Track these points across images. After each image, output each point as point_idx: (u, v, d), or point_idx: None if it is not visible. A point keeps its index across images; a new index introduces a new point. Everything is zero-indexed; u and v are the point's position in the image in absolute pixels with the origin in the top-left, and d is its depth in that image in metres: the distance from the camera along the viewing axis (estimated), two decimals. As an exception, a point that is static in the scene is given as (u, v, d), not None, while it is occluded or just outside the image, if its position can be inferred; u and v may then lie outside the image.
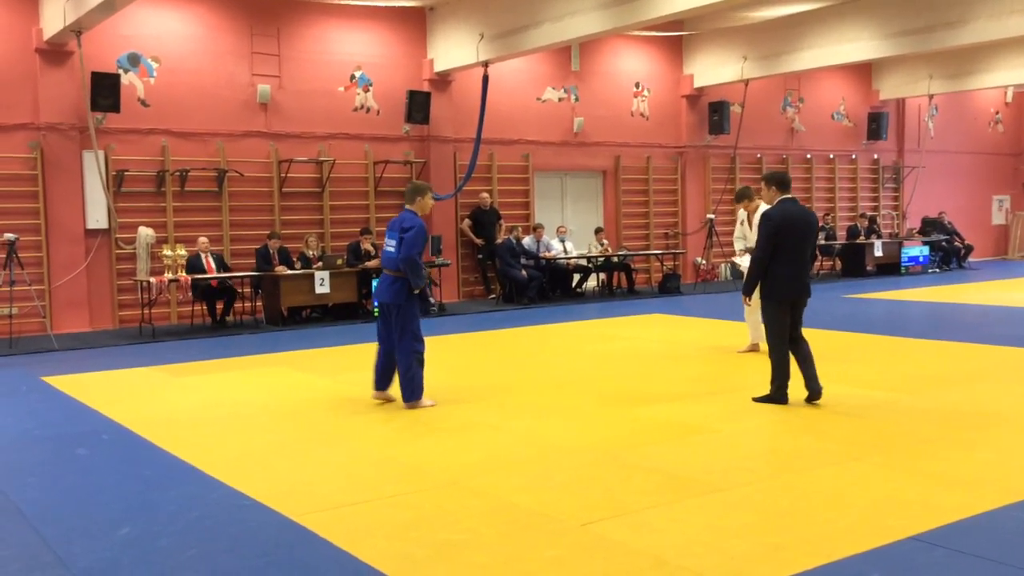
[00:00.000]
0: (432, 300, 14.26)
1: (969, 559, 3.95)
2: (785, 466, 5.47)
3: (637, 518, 4.57)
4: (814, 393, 6.95)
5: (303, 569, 4.05)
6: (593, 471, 5.44)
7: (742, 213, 9.83)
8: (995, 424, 6.34)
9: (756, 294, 9.24)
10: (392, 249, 7.22)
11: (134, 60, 13.38)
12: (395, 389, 7.43)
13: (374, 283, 13.55)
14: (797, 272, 6.90)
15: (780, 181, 7.07)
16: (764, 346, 9.64)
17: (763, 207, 9.50)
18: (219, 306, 13.09)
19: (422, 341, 7.31)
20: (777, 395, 7.00)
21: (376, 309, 7.62)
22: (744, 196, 9.82)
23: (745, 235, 9.76)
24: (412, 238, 7.08)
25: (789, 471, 5.36)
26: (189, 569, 4.06)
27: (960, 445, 5.80)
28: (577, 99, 17.58)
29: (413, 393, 7.25)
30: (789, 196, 7.00)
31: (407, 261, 7.09)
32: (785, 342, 6.93)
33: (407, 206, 7.33)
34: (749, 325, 9.75)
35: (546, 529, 4.45)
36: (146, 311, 12.64)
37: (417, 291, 7.22)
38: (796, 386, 7.03)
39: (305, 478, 5.47)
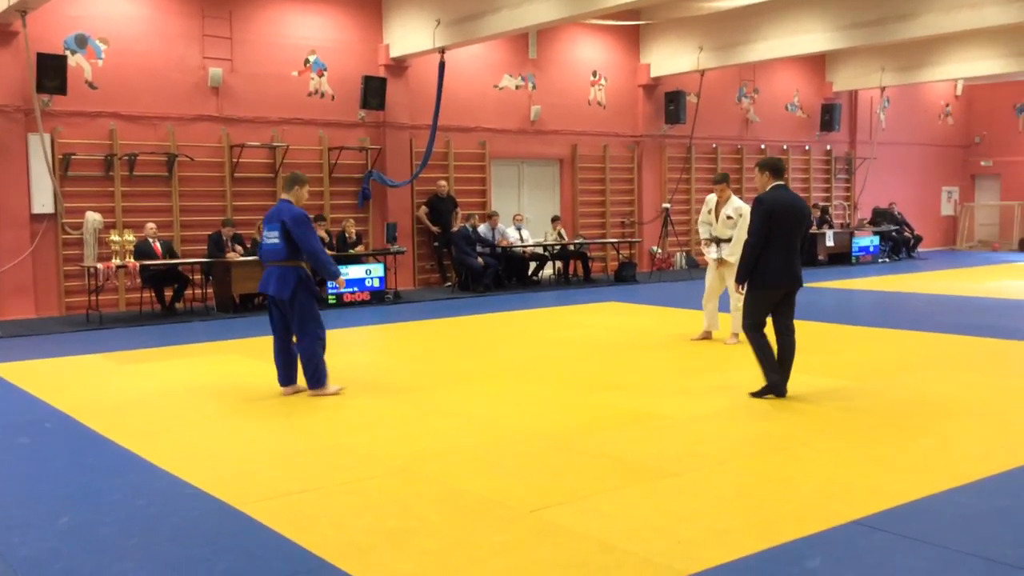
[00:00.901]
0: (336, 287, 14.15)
1: (909, 542, 4.01)
2: (735, 452, 5.51)
3: (587, 504, 4.58)
4: (776, 391, 6.80)
5: (246, 557, 3.99)
6: (545, 457, 5.44)
7: (711, 199, 9.65)
8: (940, 411, 6.45)
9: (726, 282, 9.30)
10: (276, 241, 7.02)
11: (81, 41, 13.08)
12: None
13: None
14: (788, 261, 6.74)
15: (774, 167, 6.92)
16: (717, 334, 9.77)
17: (734, 200, 9.59)
18: (168, 293, 12.88)
19: (323, 326, 7.19)
20: (772, 386, 6.79)
21: (270, 302, 7.25)
22: (724, 180, 9.68)
23: (711, 223, 9.61)
24: (305, 232, 6.95)
25: (738, 457, 5.40)
26: (130, 558, 3.98)
27: (906, 431, 5.89)
28: (534, 87, 17.55)
29: (319, 380, 7.14)
30: (782, 183, 6.89)
31: (313, 257, 6.99)
32: (760, 329, 6.80)
33: (284, 195, 7.21)
34: (705, 312, 9.79)
35: (495, 515, 4.44)
36: (93, 298, 12.40)
37: (331, 278, 7.18)
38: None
39: (252, 467, 5.40)
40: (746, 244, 6.86)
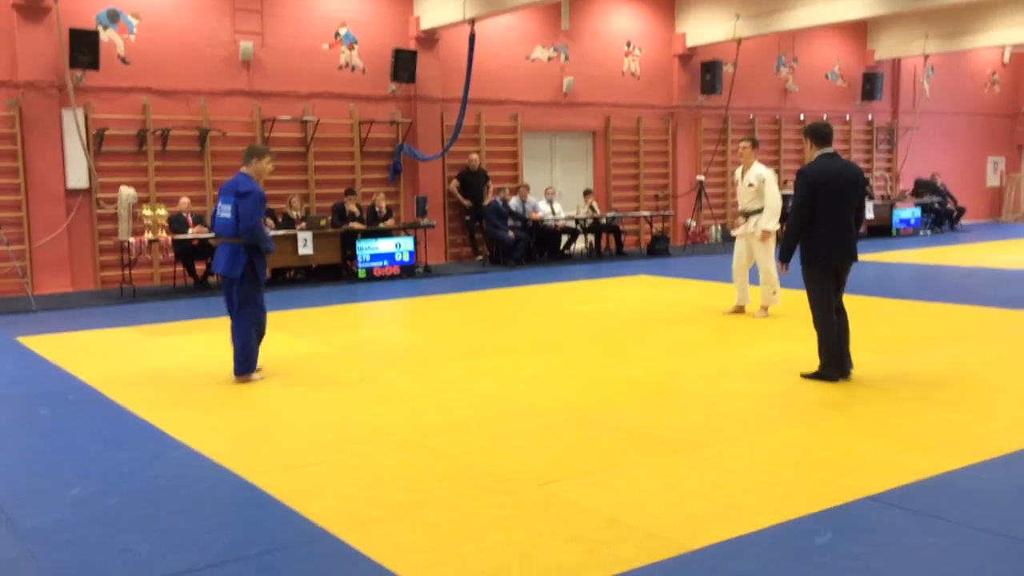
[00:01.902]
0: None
1: (924, 519, 3.90)
2: (753, 427, 5.40)
3: (596, 478, 4.52)
4: (842, 371, 6.42)
5: (249, 529, 3.99)
6: (559, 431, 5.38)
7: (738, 172, 9.53)
8: (972, 385, 6.28)
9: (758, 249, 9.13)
10: (228, 215, 6.72)
11: (113, 16, 13.14)
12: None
13: (358, 244, 13.51)
14: (839, 234, 6.26)
15: (817, 133, 6.41)
16: (750, 308, 9.60)
17: (756, 167, 9.36)
18: (200, 267, 12.97)
19: (264, 310, 6.90)
20: (825, 371, 6.36)
21: (224, 281, 6.95)
22: (750, 141, 9.45)
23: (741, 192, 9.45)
24: (250, 208, 6.63)
25: (756, 432, 5.29)
26: (136, 529, 4.00)
27: (934, 406, 5.73)
28: (567, 58, 17.34)
29: (248, 366, 6.84)
30: (829, 151, 6.39)
31: (249, 232, 6.64)
32: (829, 312, 6.32)
33: (242, 168, 6.84)
34: (736, 286, 9.63)
35: (502, 489, 4.39)
36: (127, 271, 12.53)
37: (267, 253, 6.85)
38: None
39: (266, 439, 5.41)
40: (789, 220, 6.39)
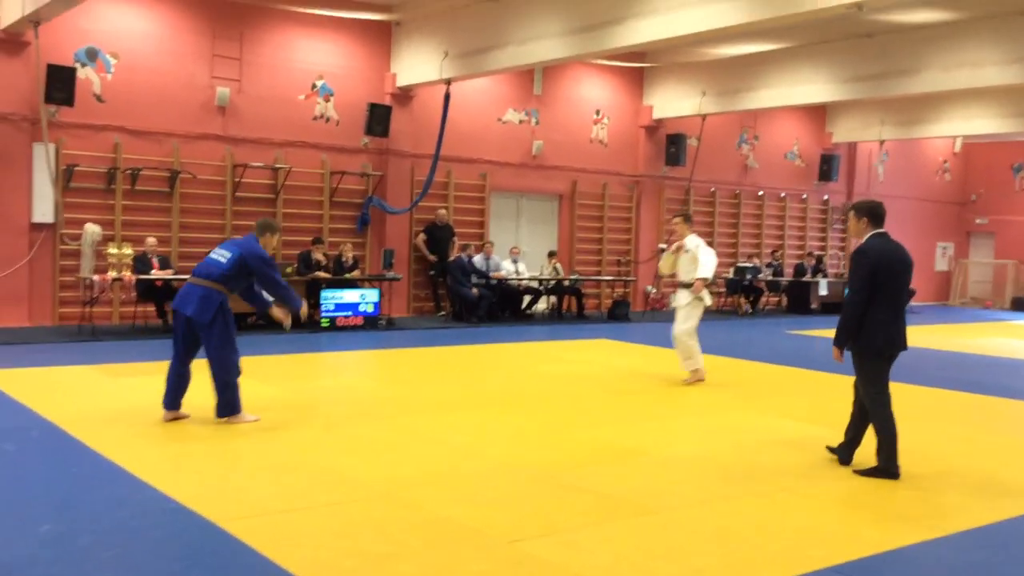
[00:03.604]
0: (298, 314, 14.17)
1: (885, 590, 4.04)
2: (716, 493, 5.53)
3: (566, 537, 4.60)
4: (844, 458, 6.18)
5: (221, 574, 4.00)
6: (528, 489, 5.46)
7: (671, 256, 9.81)
8: (924, 463, 6.47)
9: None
10: (223, 260, 6.83)
11: (92, 55, 13.21)
12: (187, 407, 7.04)
13: (323, 293, 13.53)
14: (898, 320, 5.93)
15: (872, 212, 6.05)
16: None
17: (692, 238, 9.61)
18: (166, 308, 12.88)
19: (238, 352, 6.94)
20: (888, 465, 5.92)
21: (179, 323, 6.95)
22: (688, 218, 9.92)
23: (671, 263, 9.81)
24: (269, 271, 6.83)
25: (719, 498, 5.42)
26: (107, 569, 3.99)
27: (889, 482, 5.90)
28: (537, 122, 17.71)
29: (233, 407, 6.89)
30: (882, 230, 6.04)
31: (282, 288, 6.89)
32: (888, 404, 5.96)
33: (254, 234, 7.05)
34: (681, 354, 9.72)
35: (474, 544, 4.45)
36: (87, 309, 12.41)
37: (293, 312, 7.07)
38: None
39: (235, 484, 5.41)
40: (847, 303, 6.00)
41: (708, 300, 9.73)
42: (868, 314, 5.85)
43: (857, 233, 6.14)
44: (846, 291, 6.22)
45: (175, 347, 6.97)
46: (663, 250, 18.42)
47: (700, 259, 9.47)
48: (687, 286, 9.59)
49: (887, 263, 5.87)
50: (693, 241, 9.65)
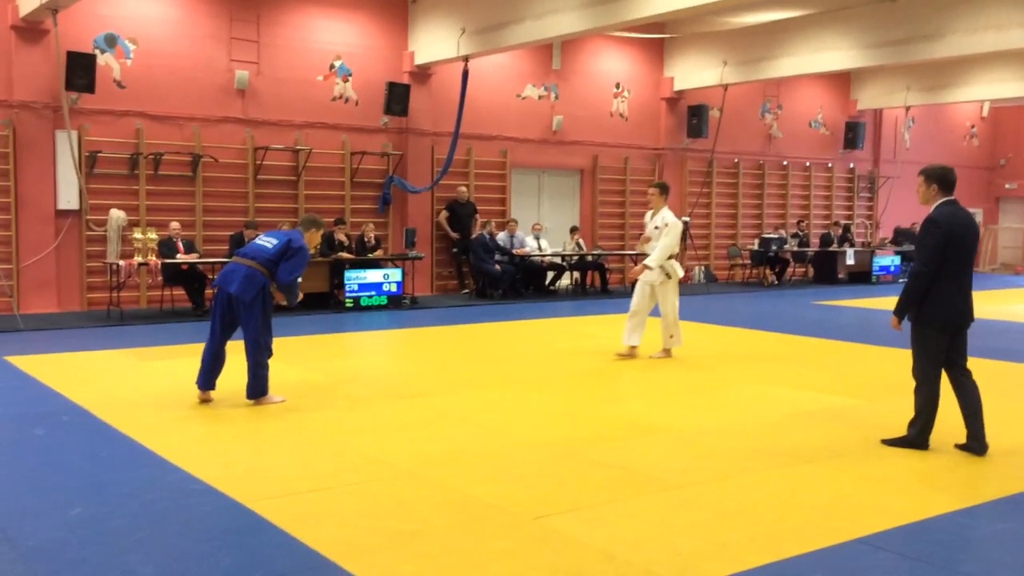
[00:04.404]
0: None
1: (911, 562, 4.01)
2: (741, 466, 5.51)
3: (591, 513, 4.61)
4: (977, 448, 5.80)
5: (250, 554, 4.05)
6: (552, 466, 5.47)
7: (648, 215, 9.47)
8: (950, 433, 6.41)
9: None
10: (269, 246, 6.99)
11: (111, 41, 13.26)
12: (217, 390, 7.12)
13: (346, 274, 13.59)
14: (965, 291, 5.75)
15: (943, 178, 5.77)
16: (676, 351, 9.46)
17: (666, 212, 9.20)
18: (208, 289, 12.96)
19: (271, 335, 7.06)
20: (918, 439, 5.85)
21: (219, 303, 7.07)
22: (664, 189, 9.50)
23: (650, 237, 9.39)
24: (300, 261, 6.98)
25: (745, 471, 5.40)
26: (137, 551, 4.05)
27: (914, 452, 5.86)
28: (557, 97, 17.61)
29: (263, 389, 7.02)
30: (952, 198, 5.79)
31: (288, 286, 6.99)
32: (938, 378, 5.81)
33: (300, 228, 7.24)
34: (630, 327, 9.38)
35: (499, 521, 4.47)
36: (115, 294, 12.54)
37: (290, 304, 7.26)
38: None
39: (262, 465, 5.46)
40: (913, 274, 5.78)
41: (680, 272, 9.41)
42: (933, 285, 5.67)
43: (926, 200, 5.86)
44: (909, 264, 6.03)
45: (212, 326, 7.09)
46: (686, 223, 18.42)
47: (661, 243, 9.09)
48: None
49: (959, 233, 5.65)
50: (664, 216, 9.22)
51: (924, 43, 15.36)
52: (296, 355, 9.46)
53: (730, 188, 20.37)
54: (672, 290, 9.34)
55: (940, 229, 5.62)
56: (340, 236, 14.07)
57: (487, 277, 15.33)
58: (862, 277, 20.17)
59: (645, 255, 9.32)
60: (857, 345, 10.71)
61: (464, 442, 6.03)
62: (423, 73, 15.75)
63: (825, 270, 20.11)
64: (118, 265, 12.34)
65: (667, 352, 9.47)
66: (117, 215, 13.04)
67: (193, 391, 7.17)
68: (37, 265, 12.73)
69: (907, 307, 5.79)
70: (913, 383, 5.90)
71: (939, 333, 5.74)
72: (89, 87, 12.62)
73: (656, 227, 9.30)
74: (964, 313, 5.76)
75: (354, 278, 13.64)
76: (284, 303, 7.29)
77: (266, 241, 7.12)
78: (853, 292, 17.78)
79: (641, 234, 9.80)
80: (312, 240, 7.24)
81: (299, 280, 7.16)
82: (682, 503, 4.79)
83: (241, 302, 6.89)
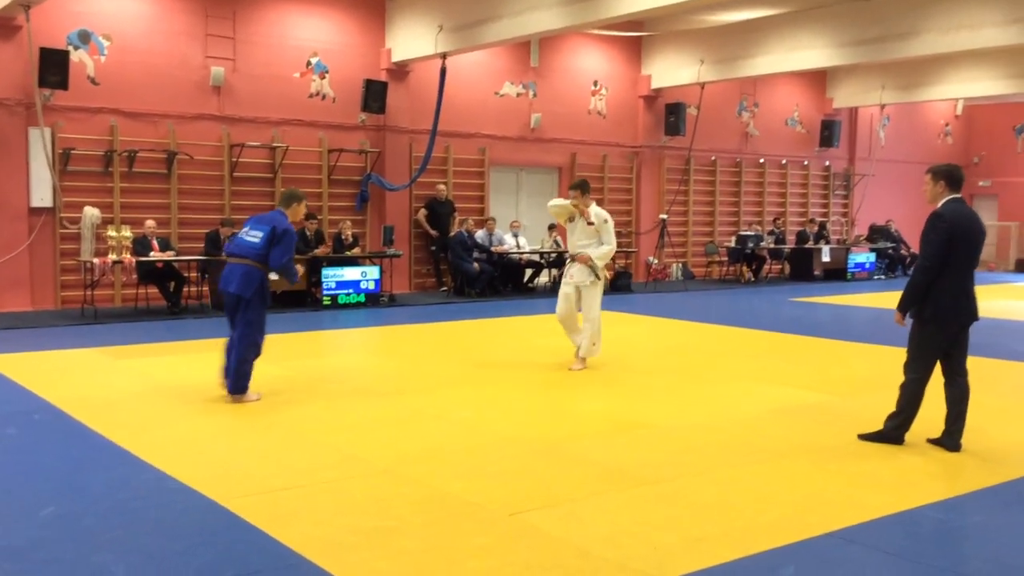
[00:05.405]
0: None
1: (883, 555, 4.05)
2: (715, 462, 5.54)
3: (566, 509, 4.61)
4: (950, 445, 5.83)
5: (224, 552, 4.03)
6: (529, 462, 5.48)
7: (571, 208, 8.67)
8: (924, 428, 6.47)
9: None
10: (256, 240, 7.02)
11: (84, 37, 13.13)
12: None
13: (323, 271, 13.53)
14: (967, 289, 5.73)
15: (951, 176, 5.74)
16: (591, 361, 8.76)
17: (595, 208, 8.58)
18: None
19: (264, 334, 7.17)
20: (894, 433, 5.90)
21: (229, 301, 7.18)
22: (584, 188, 8.70)
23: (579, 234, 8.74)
24: (289, 242, 7.01)
25: (719, 467, 5.43)
26: (110, 549, 4.02)
27: (888, 447, 5.91)
28: (535, 95, 17.61)
29: (244, 386, 7.07)
30: (958, 195, 5.77)
31: (284, 268, 7.03)
32: (927, 377, 5.82)
33: (280, 207, 7.26)
34: (570, 330, 8.88)
35: (475, 518, 4.47)
36: (88, 292, 12.42)
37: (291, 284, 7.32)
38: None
39: (237, 463, 5.43)
40: (917, 269, 5.76)
41: (606, 273, 8.96)
42: (936, 282, 5.65)
43: (933, 198, 5.81)
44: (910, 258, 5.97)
45: (230, 325, 7.20)
46: (664, 221, 18.51)
47: (603, 240, 8.60)
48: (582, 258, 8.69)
49: (964, 230, 5.65)
50: (596, 212, 8.66)
51: (898, 42, 15.49)
52: (273, 353, 9.35)
53: (707, 186, 20.46)
54: (599, 293, 8.81)
55: (945, 223, 5.60)
56: (309, 230, 13.91)
57: (465, 275, 15.32)
58: (838, 274, 20.30)
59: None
60: (833, 341, 10.79)
61: (441, 439, 6.02)
62: (401, 70, 15.70)
63: (801, 267, 20.24)
64: (92, 263, 12.22)
65: (583, 361, 8.73)
66: (91, 213, 12.92)
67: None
68: (10, 263, 12.58)
69: (911, 302, 5.76)
70: (901, 378, 5.91)
71: (939, 331, 5.73)
72: (62, 84, 12.49)
73: (590, 222, 8.58)
74: (967, 311, 5.73)
75: (332, 276, 13.59)
76: (290, 283, 7.42)
77: (252, 236, 7.11)
78: (829, 289, 17.91)
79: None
80: (296, 214, 7.24)
81: (293, 257, 7.16)
82: (659, 498, 4.81)
83: (243, 299, 6.99)
